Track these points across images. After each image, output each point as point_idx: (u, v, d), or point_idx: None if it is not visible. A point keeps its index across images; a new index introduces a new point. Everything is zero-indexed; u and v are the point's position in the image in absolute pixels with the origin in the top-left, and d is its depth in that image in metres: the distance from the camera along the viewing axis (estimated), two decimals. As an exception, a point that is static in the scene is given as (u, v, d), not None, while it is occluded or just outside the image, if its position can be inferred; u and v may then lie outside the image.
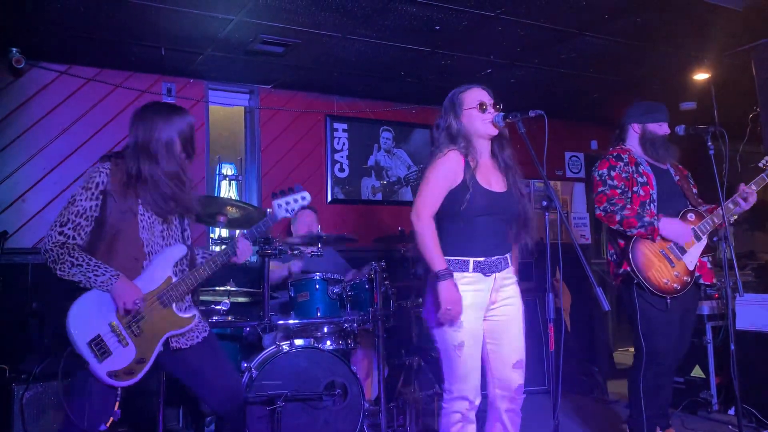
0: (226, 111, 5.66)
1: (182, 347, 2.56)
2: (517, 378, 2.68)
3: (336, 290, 3.86)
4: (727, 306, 3.66)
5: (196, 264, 2.64)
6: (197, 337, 2.61)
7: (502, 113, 2.67)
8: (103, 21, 3.95)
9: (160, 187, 2.47)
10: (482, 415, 2.89)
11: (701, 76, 5.39)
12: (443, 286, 2.53)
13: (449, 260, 2.61)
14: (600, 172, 3.41)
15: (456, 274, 2.60)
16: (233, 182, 5.39)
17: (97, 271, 2.34)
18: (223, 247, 2.72)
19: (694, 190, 3.49)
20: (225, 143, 5.78)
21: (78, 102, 4.74)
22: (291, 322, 3.71)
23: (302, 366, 3.47)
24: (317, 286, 3.85)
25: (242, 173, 5.56)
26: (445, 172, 2.63)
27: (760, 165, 3.34)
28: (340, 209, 5.75)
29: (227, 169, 5.53)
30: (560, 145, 6.97)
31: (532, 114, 2.55)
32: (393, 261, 3.99)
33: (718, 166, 3.12)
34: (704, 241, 3.31)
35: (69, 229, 2.37)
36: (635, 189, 3.34)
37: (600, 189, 3.37)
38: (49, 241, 2.35)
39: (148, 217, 2.49)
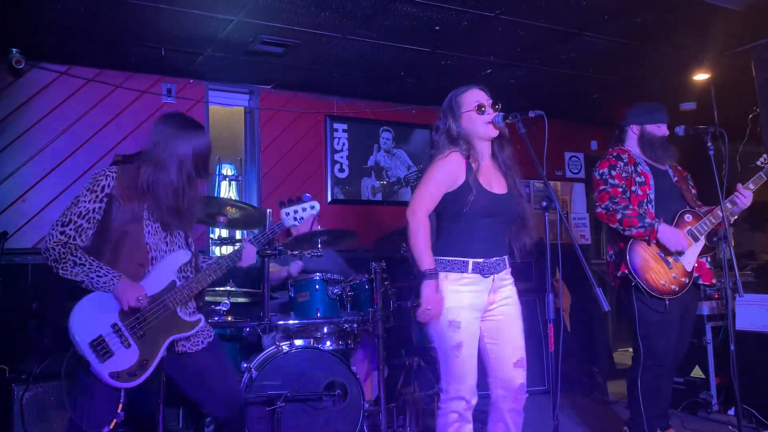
0: (226, 111, 5.66)
1: (188, 351, 2.57)
2: (519, 377, 2.68)
3: (336, 290, 3.86)
4: (727, 306, 3.66)
5: (201, 269, 2.63)
6: (202, 342, 2.62)
7: (502, 113, 2.67)
8: (103, 21, 3.96)
9: (161, 198, 2.47)
10: (480, 415, 2.89)
11: (701, 76, 5.40)
12: (426, 286, 2.56)
13: (449, 260, 2.61)
14: (601, 171, 3.41)
15: (455, 275, 2.60)
16: (233, 182, 5.39)
17: (99, 272, 2.34)
18: (228, 250, 2.72)
19: (693, 191, 3.50)
20: (225, 143, 5.78)
21: (78, 102, 4.74)
22: (291, 322, 3.71)
23: (302, 366, 3.47)
24: (317, 287, 3.85)
25: (242, 173, 5.56)
26: (445, 173, 2.64)
27: (758, 163, 3.34)
28: (340, 209, 5.75)
29: (227, 170, 5.53)
30: (560, 145, 6.97)
31: (531, 114, 2.55)
32: (393, 261, 3.99)
33: (718, 167, 3.12)
34: (702, 241, 3.31)
35: (71, 229, 2.36)
36: (633, 189, 3.34)
37: (602, 187, 3.37)
38: (50, 240, 2.35)
39: (153, 222, 2.50)
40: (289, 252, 3.87)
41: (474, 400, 2.62)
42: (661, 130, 3.44)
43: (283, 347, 3.51)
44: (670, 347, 3.28)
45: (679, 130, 3.34)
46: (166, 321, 2.48)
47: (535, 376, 4.88)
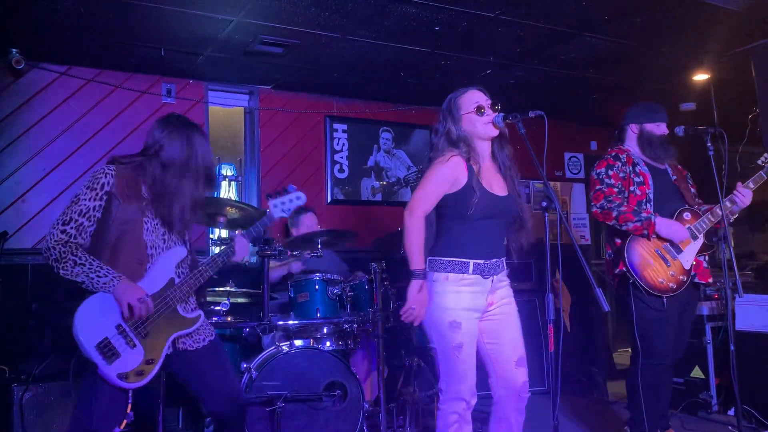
0: (226, 112, 5.66)
1: (189, 349, 2.57)
2: (521, 375, 2.69)
3: (336, 291, 3.86)
4: (727, 307, 3.66)
5: (197, 266, 2.64)
6: (204, 340, 2.63)
7: (502, 114, 2.67)
8: (102, 22, 3.96)
9: (166, 199, 2.48)
10: (480, 415, 2.89)
11: (701, 76, 5.40)
12: (412, 285, 2.58)
13: (450, 261, 2.62)
14: (598, 171, 3.43)
15: (456, 276, 2.61)
16: (233, 183, 5.39)
17: (99, 272, 2.34)
18: (223, 247, 2.73)
19: (693, 190, 3.50)
20: (224, 144, 5.78)
21: (78, 103, 4.74)
22: (291, 322, 3.71)
23: (302, 367, 3.47)
24: (317, 287, 3.85)
25: (242, 174, 5.56)
26: (444, 176, 2.64)
27: (759, 162, 3.34)
28: (340, 210, 5.75)
29: (227, 170, 5.53)
30: (560, 145, 6.97)
31: (531, 115, 2.55)
32: (393, 262, 3.99)
33: (718, 167, 3.12)
34: (700, 240, 3.31)
35: (71, 228, 2.36)
36: (632, 188, 3.35)
37: (597, 187, 3.39)
38: (51, 239, 2.35)
39: (152, 219, 2.50)
40: (289, 252, 3.87)
41: (473, 401, 2.63)
42: (660, 129, 3.44)
43: (283, 347, 3.51)
44: (669, 346, 3.28)
45: (679, 130, 3.35)
46: (168, 319, 2.49)
47: (534, 376, 4.87)
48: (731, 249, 3.20)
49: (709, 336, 4.48)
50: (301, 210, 4.77)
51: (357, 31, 4.26)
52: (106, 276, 2.34)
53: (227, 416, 2.66)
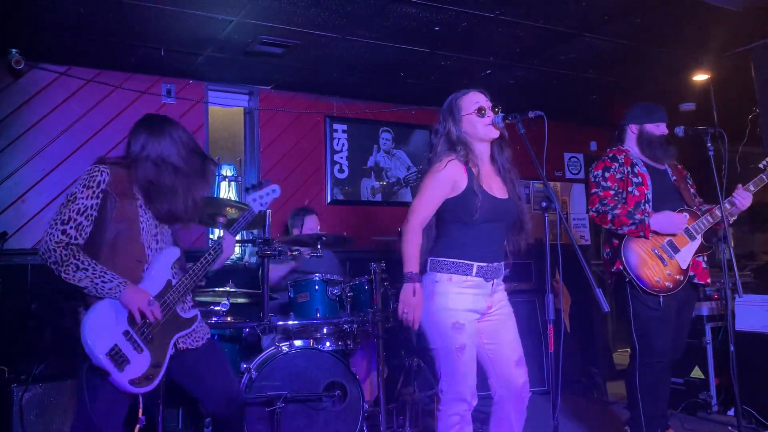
0: (226, 112, 5.66)
1: (189, 348, 2.58)
2: (521, 375, 2.69)
3: (335, 291, 3.86)
4: (727, 307, 3.66)
5: (185, 266, 2.64)
6: (202, 338, 2.64)
7: (502, 114, 2.67)
8: (102, 22, 3.96)
9: (161, 197, 2.48)
10: (480, 416, 2.89)
11: (701, 77, 5.40)
12: (407, 288, 2.58)
13: (453, 262, 2.62)
14: (594, 173, 3.43)
15: (459, 277, 2.61)
16: (232, 183, 5.39)
17: (104, 277, 2.31)
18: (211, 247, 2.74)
19: (692, 190, 3.50)
20: (224, 144, 5.78)
21: (77, 103, 4.74)
22: (290, 323, 3.71)
23: (302, 367, 3.47)
24: (317, 287, 3.85)
25: (242, 174, 5.56)
26: (443, 181, 2.64)
27: (760, 166, 3.35)
28: (340, 210, 5.75)
29: (226, 170, 5.53)
30: (559, 146, 6.98)
31: (531, 115, 2.55)
32: (392, 262, 3.99)
33: (718, 167, 3.12)
34: (698, 240, 3.31)
35: (71, 228, 2.32)
36: (630, 189, 3.35)
37: (593, 190, 3.40)
38: (51, 241, 2.29)
39: (148, 218, 2.50)
40: (289, 252, 3.88)
41: (474, 402, 2.62)
42: (660, 129, 3.44)
43: (283, 348, 3.51)
44: (667, 345, 3.28)
45: (679, 130, 3.35)
46: (169, 321, 2.49)
47: (534, 376, 4.88)
48: (731, 249, 3.20)
49: (708, 336, 4.48)
50: (302, 211, 4.78)
51: (357, 31, 4.26)
52: (112, 281, 2.32)
53: (226, 416, 2.67)
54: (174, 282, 2.52)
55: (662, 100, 3.75)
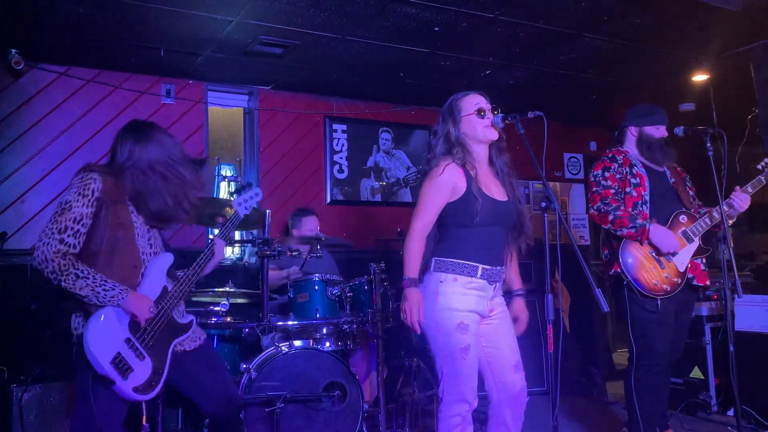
0: (226, 112, 5.66)
1: (186, 350, 2.59)
2: (520, 380, 2.69)
3: (335, 291, 3.86)
4: (726, 307, 3.66)
5: (175, 274, 2.63)
6: (199, 339, 2.65)
7: (501, 114, 2.67)
8: (102, 22, 3.96)
9: (152, 203, 2.47)
10: (479, 416, 2.89)
11: (700, 77, 5.40)
12: (409, 293, 2.59)
13: (459, 263, 2.61)
14: (595, 173, 3.44)
15: (465, 278, 2.60)
16: (232, 183, 5.39)
17: (105, 285, 2.30)
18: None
19: (691, 192, 3.50)
20: (224, 144, 5.78)
21: (77, 103, 4.74)
22: (290, 323, 3.71)
23: (301, 367, 3.46)
24: (316, 287, 3.85)
25: (241, 174, 5.56)
26: (441, 186, 2.64)
27: (759, 167, 3.35)
28: (339, 210, 5.75)
29: (226, 170, 5.53)
30: (559, 146, 6.98)
31: (531, 115, 2.55)
32: (392, 262, 3.99)
33: (717, 168, 3.12)
34: (696, 242, 3.31)
35: (69, 236, 2.30)
36: (628, 190, 3.35)
37: (594, 189, 3.40)
38: (48, 250, 2.26)
39: (141, 224, 2.50)
40: (288, 252, 3.87)
41: (475, 403, 2.62)
42: (659, 132, 3.44)
43: (283, 348, 3.51)
44: (665, 347, 3.28)
45: (678, 130, 3.35)
46: (167, 327, 2.49)
47: (534, 376, 4.89)
48: (730, 250, 3.20)
49: (708, 336, 4.48)
50: (302, 212, 4.78)
51: (356, 31, 4.26)
52: (113, 289, 2.31)
53: (225, 417, 2.67)
54: (170, 288, 2.53)
55: (662, 100, 3.76)
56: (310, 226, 4.64)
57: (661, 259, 3.27)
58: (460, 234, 2.65)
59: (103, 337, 2.30)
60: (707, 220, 3.31)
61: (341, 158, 5.80)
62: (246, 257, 5.31)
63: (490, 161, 2.80)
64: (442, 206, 2.66)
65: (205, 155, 5.17)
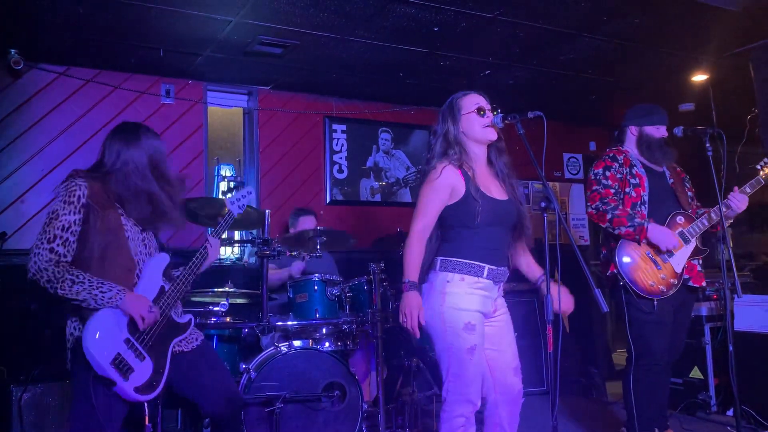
0: (225, 112, 5.66)
1: (184, 350, 2.59)
2: (518, 383, 2.69)
3: (335, 291, 3.86)
4: (726, 307, 3.67)
5: (170, 273, 2.63)
6: (196, 340, 2.65)
7: (501, 114, 2.67)
8: (101, 22, 3.96)
9: (136, 204, 2.48)
10: (477, 415, 2.88)
11: (699, 77, 5.41)
12: (408, 296, 2.58)
13: (465, 263, 2.60)
14: (595, 171, 3.44)
15: (471, 278, 2.60)
16: (232, 183, 5.39)
17: (102, 287, 2.31)
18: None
19: (690, 193, 3.50)
20: (223, 144, 5.79)
21: (77, 103, 4.74)
22: (290, 323, 3.71)
23: (301, 367, 3.47)
24: (316, 288, 3.85)
25: (241, 174, 5.56)
26: (439, 187, 2.63)
27: (757, 167, 3.35)
28: (339, 210, 5.75)
29: (226, 171, 5.53)
30: (559, 146, 6.97)
31: (530, 115, 2.55)
32: (392, 262, 3.99)
33: (717, 168, 3.12)
34: (693, 243, 3.31)
35: (58, 245, 2.32)
36: (627, 190, 3.36)
37: (594, 188, 3.41)
38: (40, 260, 2.29)
39: (132, 226, 2.49)
40: (288, 252, 3.88)
41: (479, 404, 2.61)
42: (659, 132, 3.44)
43: (282, 348, 3.51)
44: (663, 347, 3.28)
45: (678, 131, 3.35)
46: (166, 327, 2.50)
47: (533, 377, 4.89)
48: (730, 250, 3.20)
49: (708, 336, 4.48)
50: (301, 212, 4.78)
51: (356, 31, 4.26)
52: (110, 291, 2.32)
53: (225, 417, 2.67)
54: (167, 288, 2.53)
55: (661, 100, 3.76)
56: (305, 225, 4.64)
57: (658, 260, 3.27)
58: (464, 235, 2.64)
59: (103, 339, 2.30)
60: (705, 221, 3.31)
61: (341, 158, 5.80)
62: (245, 257, 5.31)
63: (490, 162, 2.79)
64: (440, 208, 2.65)
65: (204, 155, 5.18)
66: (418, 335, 2.60)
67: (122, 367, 2.30)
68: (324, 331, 3.78)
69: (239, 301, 4.11)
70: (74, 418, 2.37)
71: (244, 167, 5.54)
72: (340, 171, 5.80)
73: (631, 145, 3.50)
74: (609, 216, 3.29)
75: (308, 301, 3.84)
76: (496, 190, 2.70)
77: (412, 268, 2.61)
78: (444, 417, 2.63)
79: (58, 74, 4.68)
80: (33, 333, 4.12)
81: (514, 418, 2.70)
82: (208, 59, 4.70)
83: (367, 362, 4.18)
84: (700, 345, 4.48)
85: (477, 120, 2.68)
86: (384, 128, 6.05)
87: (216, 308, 3.58)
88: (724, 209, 3.27)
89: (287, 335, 3.74)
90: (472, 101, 2.72)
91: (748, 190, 3.32)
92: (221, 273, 4.70)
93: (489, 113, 2.70)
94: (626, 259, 3.28)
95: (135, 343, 2.37)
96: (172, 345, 2.50)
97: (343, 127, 5.84)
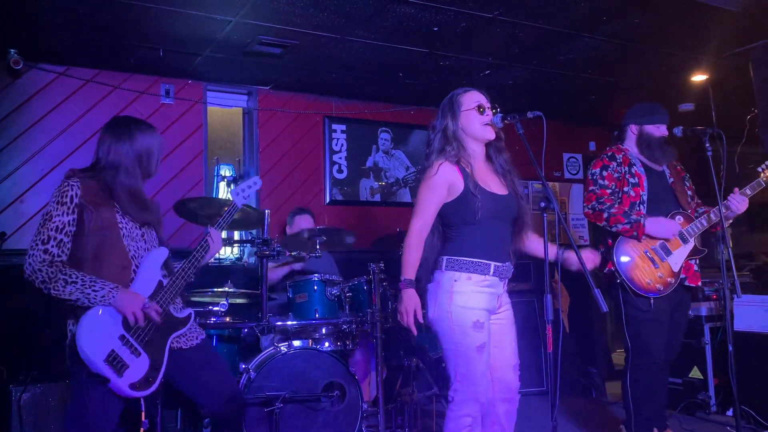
0: (225, 112, 5.66)
1: (183, 347, 2.58)
2: (516, 380, 2.71)
3: (334, 291, 3.86)
4: (725, 307, 3.67)
5: (172, 267, 2.63)
6: (196, 338, 2.64)
7: (501, 114, 2.67)
8: (101, 22, 3.95)
9: (127, 199, 2.48)
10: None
11: (699, 77, 5.41)
12: (405, 294, 2.58)
13: (471, 261, 2.60)
14: (593, 171, 3.45)
15: (478, 276, 2.60)
16: (231, 183, 5.39)
17: (94, 286, 2.31)
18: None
19: (689, 193, 3.50)
20: (223, 144, 5.78)
21: (76, 103, 4.74)
22: (289, 323, 3.70)
23: (300, 367, 3.46)
24: (315, 288, 3.85)
25: (240, 174, 5.56)
26: (437, 185, 2.64)
27: (759, 169, 3.35)
28: (339, 210, 5.75)
29: (225, 171, 5.53)
30: (558, 146, 6.98)
31: (530, 115, 2.55)
32: (391, 262, 3.99)
33: (716, 168, 3.12)
34: (691, 243, 3.32)
35: (52, 246, 2.33)
36: (626, 189, 3.36)
37: (591, 188, 3.42)
38: (35, 261, 2.31)
39: (127, 223, 2.49)
40: (288, 253, 3.88)
41: (486, 403, 2.61)
42: (660, 131, 3.44)
43: (282, 348, 3.51)
44: (660, 346, 3.29)
45: (677, 131, 3.35)
46: (164, 322, 2.48)
47: (533, 377, 4.89)
48: (729, 250, 3.20)
49: (707, 336, 4.48)
50: (297, 211, 4.78)
51: (355, 31, 4.26)
52: (103, 289, 2.32)
53: (226, 416, 2.66)
54: (165, 282, 2.52)
55: (661, 100, 3.75)
56: (303, 224, 4.63)
57: (656, 258, 3.28)
58: (467, 232, 2.64)
59: (96, 336, 2.30)
60: (704, 222, 3.31)
61: (340, 158, 5.80)
62: (245, 257, 5.31)
63: (488, 158, 2.79)
64: (439, 206, 2.66)
65: (204, 155, 5.17)
66: (415, 333, 2.60)
67: (116, 363, 2.30)
68: (323, 331, 3.78)
69: (239, 301, 4.11)
70: (69, 416, 2.37)
71: (244, 167, 5.54)
72: (340, 171, 5.80)
73: (631, 144, 3.50)
74: (605, 215, 3.29)
75: (308, 301, 3.84)
76: (495, 185, 2.70)
77: (409, 267, 2.61)
78: (450, 416, 2.61)
79: (57, 74, 4.68)
80: (33, 333, 4.12)
81: (512, 415, 2.70)
82: (208, 59, 4.70)
83: (367, 362, 4.18)
84: (699, 345, 4.48)
85: (476, 118, 2.68)
86: (384, 128, 6.05)
87: (215, 308, 3.58)
88: (724, 210, 3.27)
89: (287, 335, 3.74)
90: (472, 98, 2.72)
91: (748, 192, 3.32)
92: (221, 273, 4.70)
93: (489, 111, 2.70)
94: (624, 257, 3.28)
95: (130, 339, 2.36)
96: (170, 340, 2.49)
97: (343, 127, 5.84)
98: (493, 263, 2.61)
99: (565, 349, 5.10)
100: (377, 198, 5.96)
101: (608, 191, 3.36)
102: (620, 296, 3.31)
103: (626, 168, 3.39)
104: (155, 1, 3.70)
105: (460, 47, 4.62)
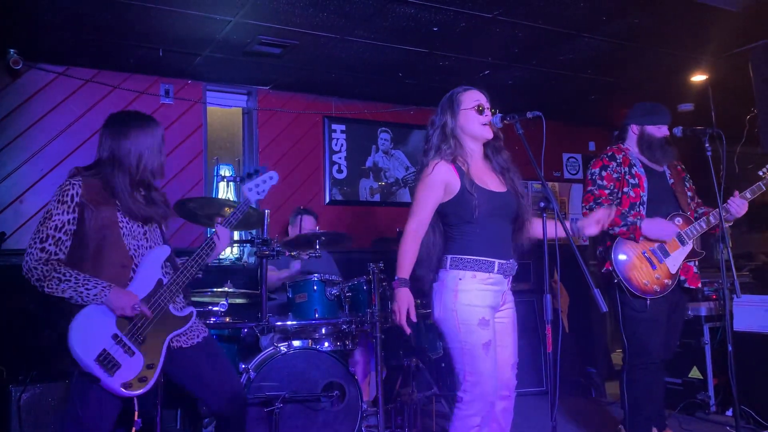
0: (224, 112, 5.66)
1: (183, 346, 2.56)
2: (513, 379, 2.72)
3: (334, 291, 3.86)
4: (725, 307, 3.67)
5: (176, 264, 2.62)
6: (197, 336, 2.62)
7: (500, 114, 2.68)
8: (101, 22, 3.95)
9: (129, 196, 2.47)
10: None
11: (699, 77, 5.41)
12: (399, 293, 2.59)
13: (476, 260, 2.60)
14: (592, 171, 3.45)
15: (483, 274, 2.60)
16: (231, 183, 5.39)
17: (87, 284, 2.31)
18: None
19: (689, 194, 3.50)
20: (223, 144, 5.78)
21: (76, 103, 4.74)
22: (289, 323, 3.70)
23: (300, 367, 3.46)
24: (315, 288, 3.85)
25: (240, 174, 5.55)
26: (433, 184, 2.64)
27: (760, 173, 3.34)
28: (338, 210, 5.75)
29: (225, 170, 5.53)
30: (558, 146, 6.98)
31: (530, 115, 2.55)
32: (391, 262, 4.00)
33: (716, 168, 3.12)
34: (689, 245, 3.31)
35: (50, 244, 2.33)
36: (626, 190, 3.36)
37: (589, 188, 3.42)
38: (31, 260, 2.32)
39: (128, 221, 2.48)
40: (288, 253, 3.87)
41: (495, 401, 2.60)
42: (661, 131, 3.44)
43: (281, 348, 3.51)
44: (658, 346, 3.29)
45: (677, 131, 3.35)
46: (162, 320, 2.47)
47: (533, 377, 4.89)
48: (729, 250, 3.20)
49: (707, 336, 4.49)
50: (300, 211, 4.78)
51: (355, 31, 4.26)
52: (95, 287, 2.32)
53: (229, 414, 2.65)
54: (165, 281, 2.51)
55: (661, 100, 3.75)
56: (306, 225, 4.64)
57: (654, 259, 3.28)
58: (468, 230, 2.64)
59: (87, 334, 2.30)
60: (703, 224, 3.31)
61: (340, 158, 5.80)
62: (245, 257, 5.31)
63: (486, 157, 2.80)
64: (435, 205, 2.66)
65: (203, 155, 5.17)
66: (408, 331, 2.61)
67: (107, 363, 2.29)
68: (323, 331, 3.78)
69: (238, 301, 4.11)
70: (69, 415, 2.36)
71: (244, 167, 5.54)
72: (340, 171, 5.80)
73: (632, 144, 3.50)
74: None
75: (307, 301, 3.83)
76: (492, 183, 2.70)
77: (404, 266, 2.62)
78: (458, 415, 2.59)
79: (57, 74, 4.68)
80: (32, 333, 4.12)
81: (509, 412, 2.70)
82: (208, 59, 4.70)
83: (367, 362, 4.18)
84: (699, 345, 4.48)
85: (475, 117, 2.68)
86: (383, 128, 6.05)
87: (215, 308, 3.57)
88: (724, 213, 3.26)
89: (286, 335, 3.74)
90: (472, 97, 2.72)
91: (748, 195, 3.32)
92: (221, 273, 4.70)
93: (488, 111, 2.70)
94: (622, 257, 3.28)
95: (123, 338, 2.35)
96: (168, 339, 2.47)
97: (343, 127, 5.84)
98: (497, 261, 2.61)
99: (565, 349, 5.11)
100: (377, 198, 5.96)
101: (606, 192, 3.36)
102: (617, 296, 3.31)
103: (626, 168, 3.39)
104: (155, 1, 3.70)
105: (460, 47, 4.62)
